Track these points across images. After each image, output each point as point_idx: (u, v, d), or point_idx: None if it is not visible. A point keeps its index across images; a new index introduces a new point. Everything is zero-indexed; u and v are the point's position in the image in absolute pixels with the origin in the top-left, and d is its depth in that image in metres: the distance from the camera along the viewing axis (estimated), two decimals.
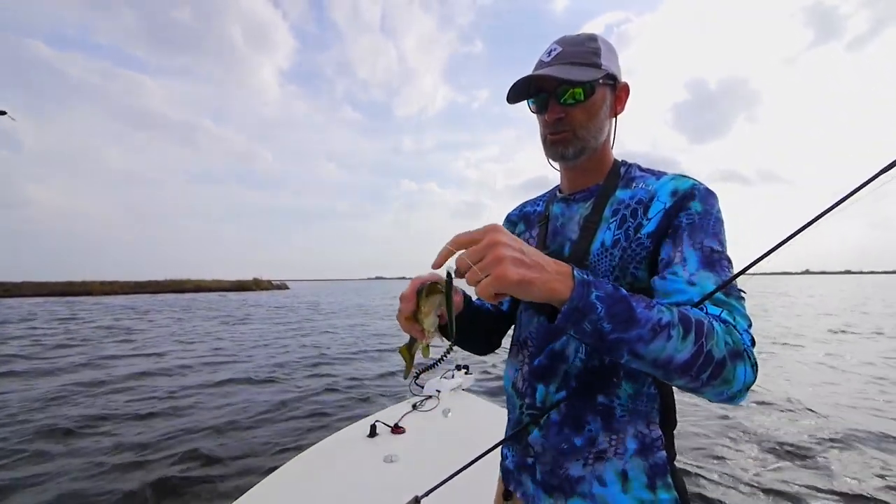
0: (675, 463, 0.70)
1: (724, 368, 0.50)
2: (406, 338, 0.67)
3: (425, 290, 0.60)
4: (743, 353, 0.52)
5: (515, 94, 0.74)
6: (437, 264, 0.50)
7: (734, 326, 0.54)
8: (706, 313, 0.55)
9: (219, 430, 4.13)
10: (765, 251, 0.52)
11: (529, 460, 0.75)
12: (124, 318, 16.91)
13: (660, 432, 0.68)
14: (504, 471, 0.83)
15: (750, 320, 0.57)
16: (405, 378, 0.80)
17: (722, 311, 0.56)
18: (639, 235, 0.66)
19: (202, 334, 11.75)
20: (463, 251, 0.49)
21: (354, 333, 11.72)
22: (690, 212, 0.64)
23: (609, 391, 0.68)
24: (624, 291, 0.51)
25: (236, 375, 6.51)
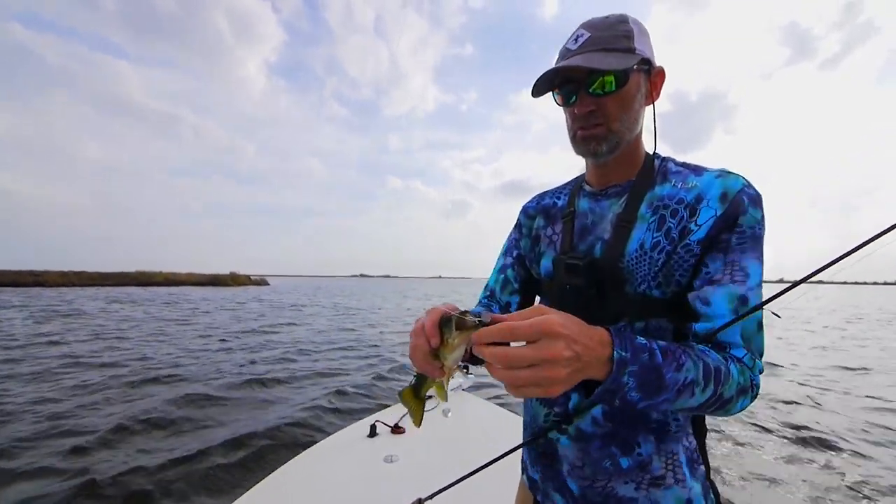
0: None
1: (729, 404, 0.55)
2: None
3: (454, 323, 0.52)
4: (748, 389, 0.56)
5: (540, 86, 0.68)
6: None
7: (750, 368, 0.57)
8: (729, 354, 0.57)
9: None
10: (806, 274, 0.53)
11: (561, 472, 0.70)
12: None
13: (696, 442, 0.67)
14: (531, 481, 0.78)
15: (763, 351, 0.60)
16: (417, 425, 0.68)
17: (745, 355, 0.57)
18: (687, 241, 0.61)
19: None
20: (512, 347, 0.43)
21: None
22: (742, 226, 0.59)
23: None
24: (659, 356, 0.50)
25: None
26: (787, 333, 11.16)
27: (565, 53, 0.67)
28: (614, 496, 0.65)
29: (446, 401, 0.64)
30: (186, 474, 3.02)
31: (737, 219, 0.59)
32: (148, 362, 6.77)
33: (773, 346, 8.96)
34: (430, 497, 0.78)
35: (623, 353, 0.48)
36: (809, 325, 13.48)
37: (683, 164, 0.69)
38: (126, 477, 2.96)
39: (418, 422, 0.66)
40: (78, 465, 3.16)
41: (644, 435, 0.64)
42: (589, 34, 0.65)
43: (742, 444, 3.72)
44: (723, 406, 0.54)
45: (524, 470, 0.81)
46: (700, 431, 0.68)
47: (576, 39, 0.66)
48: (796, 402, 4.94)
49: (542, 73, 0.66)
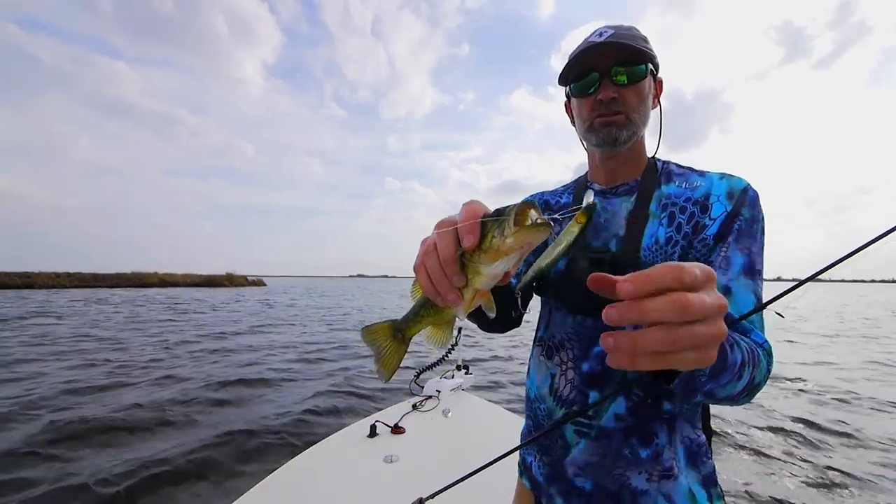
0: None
1: (757, 390, 0.53)
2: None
3: (514, 214, 0.33)
4: (767, 376, 0.55)
5: (567, 73, 0.71)
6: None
7: (769, 354, 0.56)
8: (752, 340, 0.56)
9: None
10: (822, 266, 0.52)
11: (570, 472, 0.69)
12: None
13: (704, 437, 0.67)
14: (533, 483, 0.77)
15: None
16: (386, 379, 0.49)
17: (766, 342, 0.57)
18: (703, 236, 0.65)
19: None
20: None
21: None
22: (744, 216, 0.64)
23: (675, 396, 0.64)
24: None
25: None
26: None
27: (588, 45, 0.69)
28: (628, 487, 0.65)
29: (445, 346, 0.44)
30: None
31: (741, 213, 0.64)
32: None
33: None
34: (431, 497, 0.78)
35: None
36: None
37: (686, 167, 0.73)
38: None
39: (389, 374, 0.48)
40: None
41: (659, 425, 0.65)
42: (613, 31, 0.69)
43: None
44: (752, 393, 0.52)
45: (524, 473, 0.80)
46: (708, 428, 0.69)
47: (600, 34, 0.69)
48: None
49: (578, 53, 0.69)
